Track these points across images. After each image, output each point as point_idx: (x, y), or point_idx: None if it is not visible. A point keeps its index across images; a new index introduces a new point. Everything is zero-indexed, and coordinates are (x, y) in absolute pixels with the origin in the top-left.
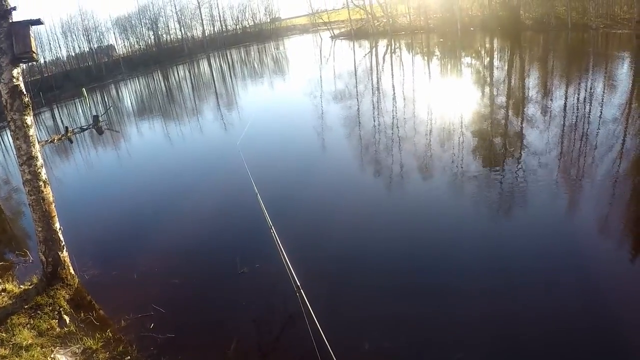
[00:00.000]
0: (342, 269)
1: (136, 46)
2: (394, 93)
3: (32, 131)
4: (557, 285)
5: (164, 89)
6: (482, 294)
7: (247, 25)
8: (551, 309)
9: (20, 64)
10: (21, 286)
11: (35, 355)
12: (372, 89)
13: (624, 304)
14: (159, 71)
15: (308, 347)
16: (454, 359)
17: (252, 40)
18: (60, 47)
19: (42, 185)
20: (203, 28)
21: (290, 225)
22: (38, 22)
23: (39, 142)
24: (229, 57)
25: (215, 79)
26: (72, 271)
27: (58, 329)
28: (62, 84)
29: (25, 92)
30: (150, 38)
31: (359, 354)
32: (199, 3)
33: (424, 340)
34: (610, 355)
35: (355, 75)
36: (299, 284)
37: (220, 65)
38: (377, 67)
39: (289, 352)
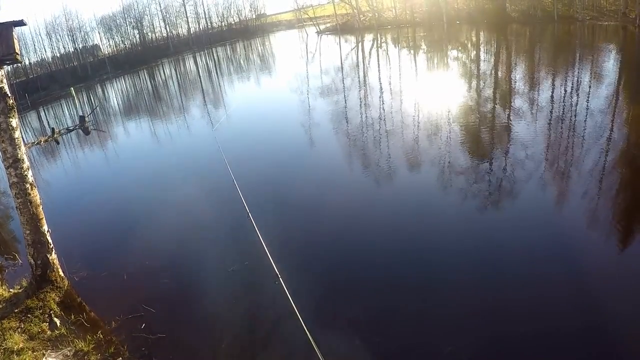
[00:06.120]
0: (327, 259)
1: (121, 45)
2: (381, 87)
3: (17, 133)
4: (546, 276)
5: (149, 87)
6: (471, 286)
7: (233, 22)
8: (540, 300)
9: (4, 66)
10: (11, 290)
11: (27, 359)
12: (359, 83)
13: (612, 294)
14: (144, 70)
15: (297, 340)
16: (446, 351)
17: (238, 37)
18: (45, 48)
19: (29, 187)
20: (188, 26)
21: (275, 218)
22: (21, 23)
23: (25, 144)
24: (214, 54)
25: (201, 77)
26: (61, 273)
27: (49, 332)
28: (47, 85)
29: (9, 94)
30: (135, 37)
31: (343, 344)
32: (183, 1)
33: (412, 333)
34: (600, 345)
35: (342, 70)
36: (278, 273)
37: (206, 63)
38: (363, 61)
39: (278, 348)
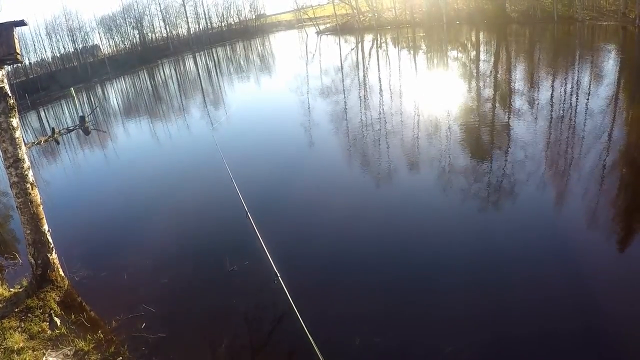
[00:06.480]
0: (327, 259)
1: (121, 45)
2: (381, 87)
3: (18, 133)
4: (547, 278)
5: (149, 87)
6: (471, 286)
7: (233, 23)
8: (540, 302)
9: (5, 66)
10: (11, 289)
11: (27, 359)
12: (359, 83)
13: (612, 294)
14: (144, 70)
15: (296, 341)
16: (446, 351)
17: (238, 37)
18: (45, 48)
19: (30, 187)
20: (188, 26)
21: (275, 218)
22: (22, 23)
23: (25, 144)
24: (214, 54)
25: (200, 77)
26: (61, 273)
27: (49, 332)
28: (47, 85)
29: (10, 94)
30: (135, 37)
31: (343, 345)
32: (183, 1)
33: (413, 333)
34: (600, 346)
35: (342, 70)
36: (277, 272)
37: (206, 63)
38: (363, 62)
39: (278, 348)
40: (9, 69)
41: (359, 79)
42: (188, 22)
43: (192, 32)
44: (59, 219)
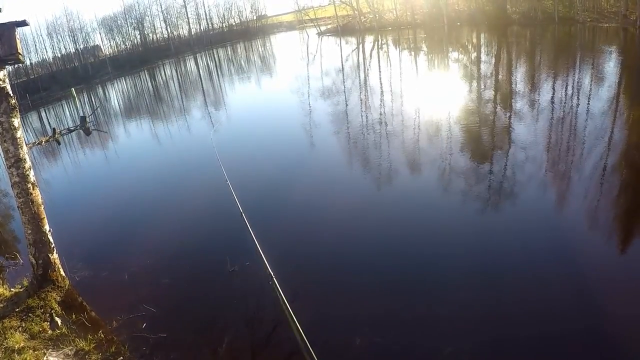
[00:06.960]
0: (325, 260)
1: (122, 46)
2: (382, 89)
3: (19, 133)
4: (547, 279)
5: (150, 88)
6: (472, 288)
7: (234, 23)
8: (540, 303)
9: (6, 66)
10: (12, 289)
11: (28, 359)
12: (360, 85)
13: (613, 296)
14: (145, 70)
15: (297, 341)
16: (445, 352)
17: (239, 38)
18: (46, 49)
19: (31, 187)
20: (189, 27)
21: (273, 219)
22: (23, 23)
23: (26, 144)
24: (215, 55)
25: (201, 78)
26: (62, 273)
27: (50, 332)
28: (48, 85)
29: (11, 94)
30: (136, 37)
31: (341, 345)
32: (184, 2)
33: (412, 334)
34: (600, 348)
35: (342, 71)
36: (272, 274)
37: (207, 64)
38: (364, 63)
39: (279, 348)
40: (10, 69)
41: (359, 80)
42: (189, 23)
43: (193, 33)
44: (59, 218)
